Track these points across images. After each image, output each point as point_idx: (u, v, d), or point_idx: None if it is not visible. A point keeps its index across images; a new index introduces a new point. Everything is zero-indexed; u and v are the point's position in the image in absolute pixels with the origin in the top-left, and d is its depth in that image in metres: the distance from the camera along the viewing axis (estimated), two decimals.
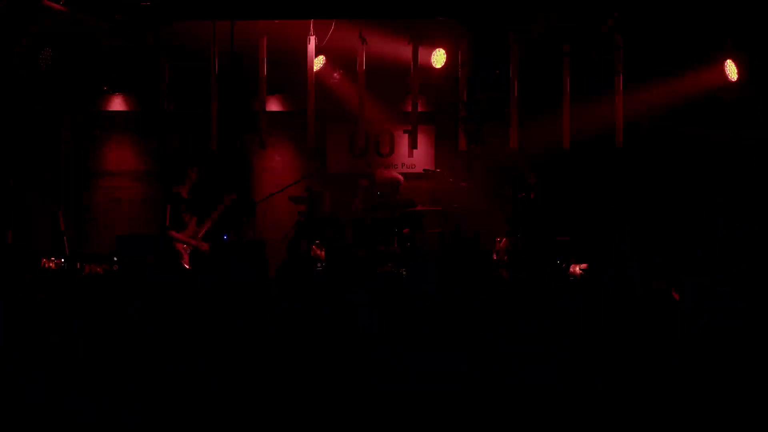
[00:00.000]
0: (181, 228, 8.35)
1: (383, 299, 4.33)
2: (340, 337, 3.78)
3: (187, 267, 8.28)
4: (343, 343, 3.74)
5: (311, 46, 9.53)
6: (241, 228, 9.59)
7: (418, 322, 4.23)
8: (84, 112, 10.28)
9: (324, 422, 3.46)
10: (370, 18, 9.08)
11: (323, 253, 8.60)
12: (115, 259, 4.03)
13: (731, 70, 8.96)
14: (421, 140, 10.08)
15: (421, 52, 9.50)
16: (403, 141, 10.58)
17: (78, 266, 3.89)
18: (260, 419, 3.46)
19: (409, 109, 9.74)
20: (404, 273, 5.44)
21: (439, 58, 9.70)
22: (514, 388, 3.76)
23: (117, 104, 10.48)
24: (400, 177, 9.55)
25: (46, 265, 5.14)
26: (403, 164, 10.51)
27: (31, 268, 4.16)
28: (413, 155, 10.48)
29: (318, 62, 9.40)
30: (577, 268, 5.36)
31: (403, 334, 4.01)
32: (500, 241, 8.56)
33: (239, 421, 3.46)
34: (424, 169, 10.14)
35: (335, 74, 9.88)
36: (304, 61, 9.60)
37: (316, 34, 9.47)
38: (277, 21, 9.26)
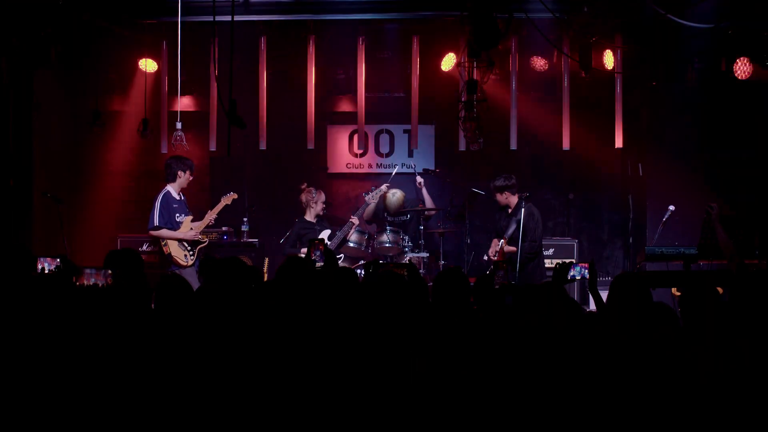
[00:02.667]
0: (174, 227, 8.29)
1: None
2: (338, 338, 3.76)
3: (183, 264, 8.21)
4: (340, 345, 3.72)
5: (311, 46, 9.55)
6: (240, 229, 9.58)
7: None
8: (84, 111, 10.27)
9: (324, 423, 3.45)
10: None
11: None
12: (110, 272, 4.04)
13: None
14: (421, 140, 10.09)
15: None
16: (403, 141, 10.59)
17: (74, 279, 3.89)
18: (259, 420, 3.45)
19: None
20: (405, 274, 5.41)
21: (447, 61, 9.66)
22: None
23: (118, 104, 10.48)
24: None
25: (42, 266, 5.13)
26: (403, 164, 10.50)
27: (26, 269, 4.17)
28: (413, 155, 10.51)
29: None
30: (577, 268, 5.34)
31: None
32: (497, 242, 8.55)
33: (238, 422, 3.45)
34: (423, 169, 10.13)
35: None
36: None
37: (315, 33, 9.50)
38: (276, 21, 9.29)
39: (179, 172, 8.34)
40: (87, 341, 3.67)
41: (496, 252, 8.44)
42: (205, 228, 8.53)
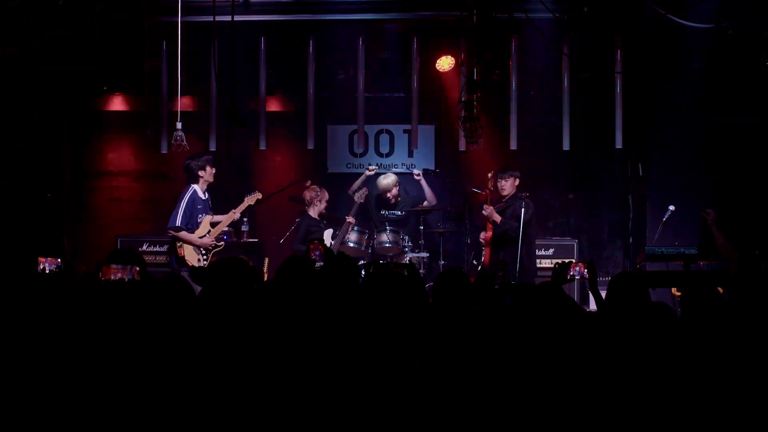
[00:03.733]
0: (194, 227, 8.25)
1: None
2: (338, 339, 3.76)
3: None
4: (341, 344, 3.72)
5: (311, 46, 9.55)
6: (240, 229, 9.57)
7: None
8: (84, 112, 10.27)
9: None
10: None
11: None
12: (138, 268, 4.05)
13: None
14: (421, 140, 10.09)
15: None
16: (403, 141, 10.59)
17: (100, 275, 3.87)
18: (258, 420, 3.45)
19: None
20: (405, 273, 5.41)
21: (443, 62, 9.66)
22: None
23: (117, 104, 10.48)
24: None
25: (42, 266, 5.14)
26: (403, 164, 10.49)
27: (28, 268, 4.17)
28: (413, 155, 10.51)
29: None
30: (577, 268, 5.33)
31: None
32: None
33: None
34: (424, 169, 10.13)
35: None
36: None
37: (315, 33, 9.50)
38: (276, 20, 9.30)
39: (200, 172, 8.28)
40: (89, 341, 3.67)
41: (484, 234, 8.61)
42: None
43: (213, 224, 8.34)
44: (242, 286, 3.97)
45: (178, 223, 8.12)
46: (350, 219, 8.98)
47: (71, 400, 3.44)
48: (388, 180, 9.38)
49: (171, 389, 3.48)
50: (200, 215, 8.26)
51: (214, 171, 8.36)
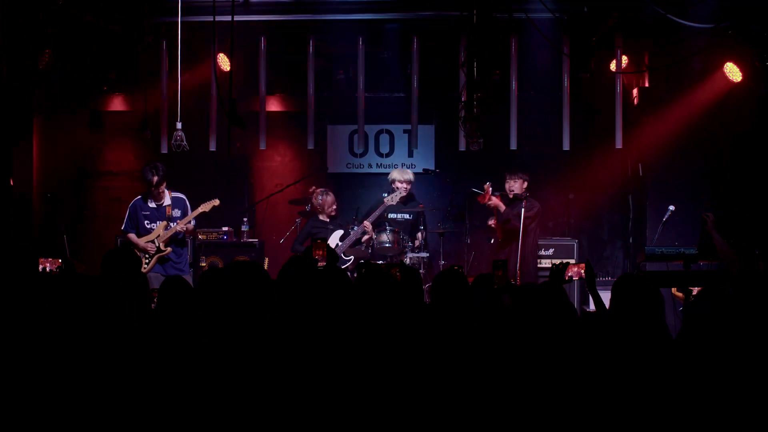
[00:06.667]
0: (142, 233, 8.30)
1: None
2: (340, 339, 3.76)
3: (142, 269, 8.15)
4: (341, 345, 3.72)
5: (311, 46, 9.55)
6: (240, 229, 9.56)
7: None
8: (84, 112, 10.27)
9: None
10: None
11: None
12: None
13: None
14: (421, 140, 10.09)
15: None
16: (403, 141, 10.59)
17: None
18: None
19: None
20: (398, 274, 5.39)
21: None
22: None
23: (117, 104, 10.48)
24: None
25: (44, 266, 5.13)
26: (403, 164, 10.49)
27: (29, 268, 4.17)
28: (413, 155, 10.51)
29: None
30: (574, 269, 5.33)
31: None
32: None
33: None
34: (423, 169, 10.13)
35: None
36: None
37: (315, 33, 9.50)
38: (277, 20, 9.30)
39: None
40: (90, 342, 3.67)
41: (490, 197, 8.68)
42: (204, 229, 8.45)
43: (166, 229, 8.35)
44: (260, 292, 3.91)
45: (123, 227, 8.40)
46: (367, 224, 8.89)
47: (70, 400, 3.44)
48: (408, 175, 9.30)
49: (171, 389, 3.49)
50: (148, 222, 8.28)
51: (157, 188, 8.23)
